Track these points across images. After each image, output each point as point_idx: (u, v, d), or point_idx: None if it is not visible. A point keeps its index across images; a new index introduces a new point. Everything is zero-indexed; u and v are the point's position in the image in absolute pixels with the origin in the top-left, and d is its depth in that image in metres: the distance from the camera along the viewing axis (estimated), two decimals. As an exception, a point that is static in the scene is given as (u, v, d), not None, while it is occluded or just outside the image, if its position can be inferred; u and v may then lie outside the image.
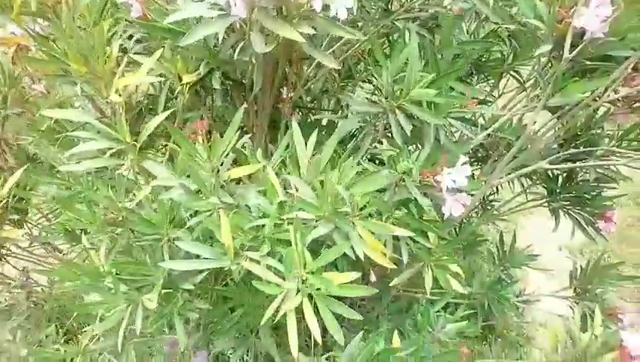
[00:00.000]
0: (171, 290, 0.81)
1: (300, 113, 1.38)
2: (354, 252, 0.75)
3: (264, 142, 1.19)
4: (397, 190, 0.83)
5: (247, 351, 1.16)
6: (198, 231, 0.81)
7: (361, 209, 0.77)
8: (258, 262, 0.74)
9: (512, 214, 1.58)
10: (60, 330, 1.96)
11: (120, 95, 0.90)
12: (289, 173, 0.85)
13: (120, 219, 0.86)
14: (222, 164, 0.81)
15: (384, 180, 0.82)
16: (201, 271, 0.80)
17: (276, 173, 0.84)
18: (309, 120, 1.40)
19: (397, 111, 0.90)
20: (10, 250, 1.40)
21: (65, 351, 1.07)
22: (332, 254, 0.73)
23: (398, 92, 0.90)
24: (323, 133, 1.19)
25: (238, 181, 0.87)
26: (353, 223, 0.76)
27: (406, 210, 0.87)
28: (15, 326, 1.61)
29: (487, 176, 1.14)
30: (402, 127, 0.88)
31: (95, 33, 0.78)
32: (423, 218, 0.88)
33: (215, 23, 0.72)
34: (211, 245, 0.78)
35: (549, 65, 0.94)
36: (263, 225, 0.77)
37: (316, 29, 0.77)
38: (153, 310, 0.76)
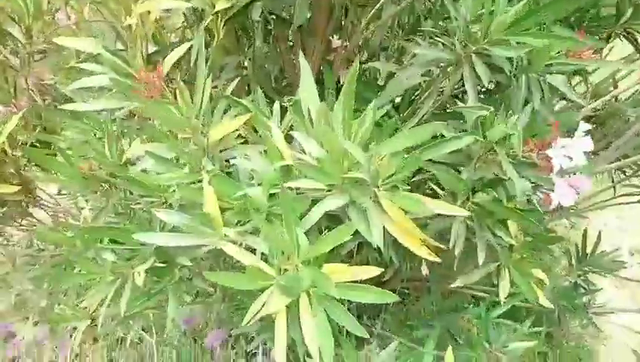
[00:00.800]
0: (166, 265, 0.66)
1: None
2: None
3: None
4: (479, 166, 0.62)
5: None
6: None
7: (390, 176, 0.55)
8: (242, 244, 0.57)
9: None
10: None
11: (143, 22, 0.74)
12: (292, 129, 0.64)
13: (108, 176, 0.72)
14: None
15: (426, 133, 0.57)
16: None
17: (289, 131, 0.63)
18: (363, 78, 1.20)
19: (474, 57, 0.68)
20: (40, 197, 1.33)
21: (72, 314, 0.98)
22: (334, 237, 0.53)
23: (478, 33, 0.68)
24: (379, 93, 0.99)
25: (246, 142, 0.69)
26: (375, 194, 0.55)
27: (494, 193, 0.65)
28: (40, 275, 1.56)
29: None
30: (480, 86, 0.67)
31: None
32: (514, 206, 0.66)
33: None
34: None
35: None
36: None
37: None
38: (142, 286, 0.62)
